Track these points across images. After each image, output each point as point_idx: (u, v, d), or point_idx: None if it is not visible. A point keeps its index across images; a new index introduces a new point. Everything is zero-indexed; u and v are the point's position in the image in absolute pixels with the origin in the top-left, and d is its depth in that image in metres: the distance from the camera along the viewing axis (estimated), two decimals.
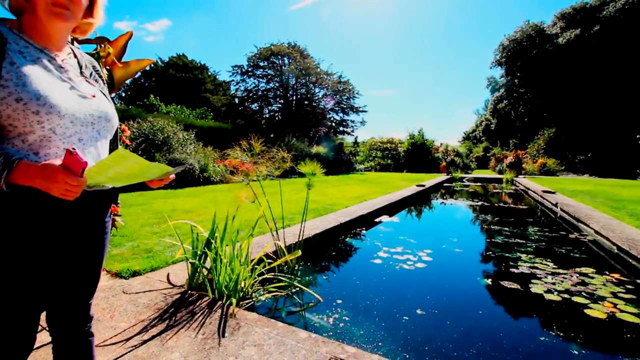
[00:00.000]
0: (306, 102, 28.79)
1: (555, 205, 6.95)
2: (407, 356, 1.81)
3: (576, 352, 1.90)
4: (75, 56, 0.99)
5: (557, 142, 25.48)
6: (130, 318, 1.91)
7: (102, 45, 2.03)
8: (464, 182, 15.90)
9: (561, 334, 2.10)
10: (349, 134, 30.97)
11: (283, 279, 2.64)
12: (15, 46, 0.82)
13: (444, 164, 22.35)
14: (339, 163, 19.56)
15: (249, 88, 29.25)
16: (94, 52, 2.07)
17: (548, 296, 2.65)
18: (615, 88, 24.82)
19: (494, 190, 11.98)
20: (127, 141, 3.33)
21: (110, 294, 2.22)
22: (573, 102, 26.55)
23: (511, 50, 30.71)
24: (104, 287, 2.32)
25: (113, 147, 1.06)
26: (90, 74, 1.00)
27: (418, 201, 8.50)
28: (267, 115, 29.72)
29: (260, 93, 29.06)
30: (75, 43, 1.10)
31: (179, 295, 2.19)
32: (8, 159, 0.74)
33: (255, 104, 29.56)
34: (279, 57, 28.32)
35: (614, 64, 24.97)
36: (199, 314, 1.94)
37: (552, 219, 6.25)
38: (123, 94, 32.20)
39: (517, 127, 32.25)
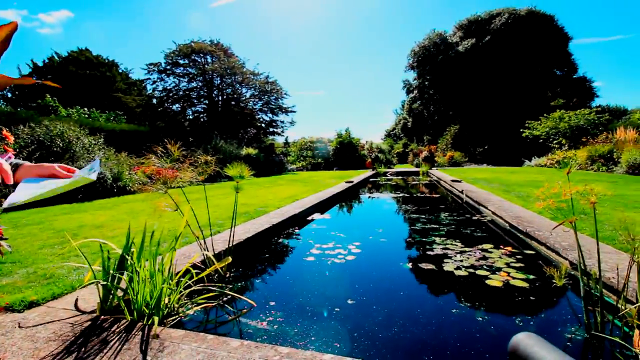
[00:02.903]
0: (233, 103, 27.78)
1: (462, 192, 7.97)
2: (339, 345, 1.90)
3: (480, 318, 2.21)
4: None
5: (461, 137, 29.19)
6: (27, 357, 1.63)
7: None
8: (387, 176, 17.17)
9: (468, 304, 2.43)
10: (279, 134, 30.84)
11: (213, 288, 2.53)
12: None
13: (370, 160, 23.84)
14: (271, 164, 19.38)
15: (168, 87, 27.00)
16: None
17: (457, 272, 3.04)
18: (504, 90, 29.47)
19: (413, 182, 13.19)
20: (12, 150, 2.81)
21: None
22: (472, 102, 30.73)
23: (421, 55, 34.10)
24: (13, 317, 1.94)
25: None
26: None
27: (348, 197, 8.91)
28: (191, 117, 27.86)
29: (181, 93, 27.05)
30: None
31: (89, 323, 1.94)
32: None
33: (177, 105, 27.44)
34: (201, 55, 26.74)
35: (502, 70, 29.61)
36: (115, 340, 1.75)
37: (460, 204, 7.15)
38: (9, 94, 26.87)
39: (429, 125, 36.03)
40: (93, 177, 0.91)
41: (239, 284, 2.93)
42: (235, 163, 3.36)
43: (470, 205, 6.74)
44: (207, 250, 2.95)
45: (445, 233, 4.52)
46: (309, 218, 5.74)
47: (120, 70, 31.68)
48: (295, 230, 4.89)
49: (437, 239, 4.18)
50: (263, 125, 30.03)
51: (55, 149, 9.08)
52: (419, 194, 9.27)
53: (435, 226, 4.96)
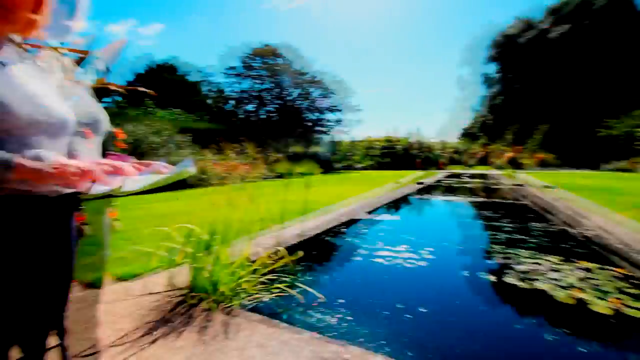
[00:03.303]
0: (302, 102, 28.80)
1: (556, 200, 6.96)
2: (411, 354, 1.80)
3: (583, 350, 1.89)
4: (21, 56, 0.90)
5: (554, 136, 25.57)
6: (135, 320, 1.89)
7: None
8: (463, 178, 15.93)
9: (566, 331, 2.09)
10: (345, 133, 30.97)
11: (285, 279, 2.62)
12: None
13: (443, 160, 22.43)
14: (337, 162, 19.56)
15: (243, 89, 29.23)
16: (82, 55, 2.06)
17: (551, 292, 2.65)
18: (610, 82, 24.95)
19: (494, 186, 12.00)
20: (123, 145, 3.29)
21: (113, 297, 2.21)
22: (569, 96, 26.69)
23: (504, 45, 30.84)
24: (107, 291, 2.30)
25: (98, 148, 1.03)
26: (42, 71, 0.95)
27: (419, 199, 8.50)
28: (263, 116, 29.68)
29: (255, 94, 29.03)
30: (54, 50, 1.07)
31: (181, 298, 2.18)
32: None
33: (251, 105, 29.54)
34: (273, 57, 28.31)
35: (605, 58, 25.13)
36: (202, 316, 1.93)
37: (553, 214, 6.26)
38: (118, 98, 31.92)
39: (513, 123, 32.40)
40: (192, 170, 1.03)
41: (308, 278, 3.00)
42: (305, 160, 3.44)
43: (567, 216, 5.85)
44: (280, 243, 3.08)
45: (536, 246, 3.99)
46: (378, 218, 5.62)
47: (203, 75, 35.16)
48: (363, 230, 4.83)
49: (525, 252, 3.71)
50: (330, 123, 30.53)
51: (153, 145, 10.51)
52: (501, 200, 8.39)
53: (522, 237, 4.42)
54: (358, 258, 3.68)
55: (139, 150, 9.95)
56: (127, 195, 1.18)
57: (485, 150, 29.03)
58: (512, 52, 30.25)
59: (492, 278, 2.97)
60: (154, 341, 1.69)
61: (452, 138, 37.17)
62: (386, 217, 5.77)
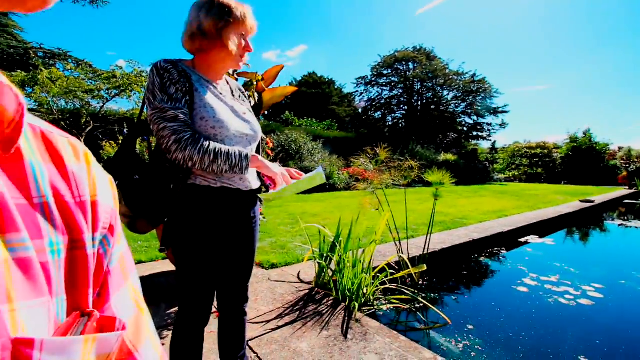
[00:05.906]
0: (433, 107, 27.17)
1: None
2: None
3: None
4: (227, 83, 1.20)
5: None
6: (269, 304, 2.19)
7: (254, 81, 2.49)
8: None
9: None
10: (484, 138, 27.37)
11: (406, 291, 2.52)
12: (195, 77, 1.06)
13: (625, 173, 17.06)
14: (472, 171, 17.51)
15: (372, 97, 29.68)
16: (248, 79, 2.53)
17: None
18: None
19: None
20: (270, 152, 3.87)
21: (255, 280, 2.61)
22: None
23: None
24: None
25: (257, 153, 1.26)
26: (239, 96, 1.22)
27: (582, 221, 6.75)
28: (390, 123, 29.46)
29: (383, 101, 29.08)
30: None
31: (307, 291, 2.38)
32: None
33: (378, 112, 29.73)
34: (403, 62, 27.72)
35: None
36: (325, 312, 2.06)
37: None
38: (266, 112, 37.66)
39: None
40: (323, 177, 1.14)
41: (432, 295, 2.80)
42: (435, 168, 3.24)
43: None
44: (402, 253, 2.98)
45: None
46: (522, 240, 4.74)
47: (335, 87, 37.65)
48: (502, 252, 4.17)
49: None
50: (465, 129, 27.70)
51: (290, 151, 11.93)
52: None
53: None
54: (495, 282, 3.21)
55: (280, 157, 11.50)
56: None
57: None
58: None
59: None
60: (283, 325, 1.91)
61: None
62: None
